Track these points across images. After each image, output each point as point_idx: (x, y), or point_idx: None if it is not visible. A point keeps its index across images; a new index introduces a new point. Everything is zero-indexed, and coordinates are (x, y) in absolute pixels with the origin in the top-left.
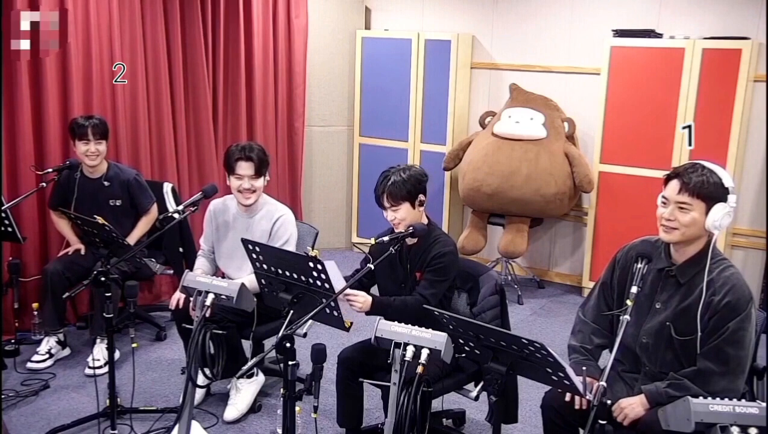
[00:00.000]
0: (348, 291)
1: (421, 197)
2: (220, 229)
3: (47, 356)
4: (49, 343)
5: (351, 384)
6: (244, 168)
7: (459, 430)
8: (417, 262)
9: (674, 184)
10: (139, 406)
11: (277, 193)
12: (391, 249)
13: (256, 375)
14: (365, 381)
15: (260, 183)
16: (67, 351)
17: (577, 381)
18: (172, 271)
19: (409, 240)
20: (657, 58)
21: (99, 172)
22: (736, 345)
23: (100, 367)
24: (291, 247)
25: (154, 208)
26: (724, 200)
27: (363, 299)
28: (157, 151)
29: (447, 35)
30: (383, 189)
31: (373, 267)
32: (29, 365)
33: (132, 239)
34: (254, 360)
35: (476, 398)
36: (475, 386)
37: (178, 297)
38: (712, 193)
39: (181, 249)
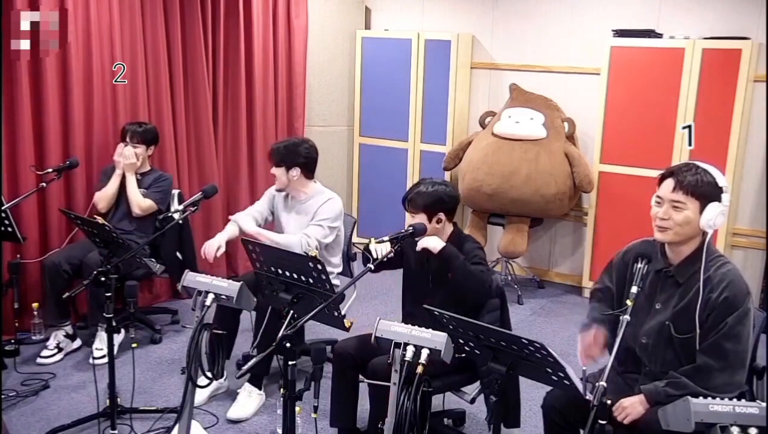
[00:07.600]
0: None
1: (441, 216)
2: (276, 205)
3: (56, 350)
4: (57, 338)
5: (345, 381)
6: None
7: (459, 430)
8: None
9: (669, 183)
10: (139, 406)
11: None
12: (391, 249)
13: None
14: (365, 380)
15: (280, 172)
16: (77, 343)
17: (577, 381)
18: (167, 275)
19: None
20: (657, 58)
21: (142, 170)
22: (735, 340)
23: (103, 356)
24: (334, 232)
25: (150, 204)
26: (718, 199)
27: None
28: (158, 151)
29: (447, 35)
30: (408, 194)
31: (373, 268)
32: (39, 361)
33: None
34: (254, 359)
35: (472, 401)
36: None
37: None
38: (706, 191)
39: (179, 255)
